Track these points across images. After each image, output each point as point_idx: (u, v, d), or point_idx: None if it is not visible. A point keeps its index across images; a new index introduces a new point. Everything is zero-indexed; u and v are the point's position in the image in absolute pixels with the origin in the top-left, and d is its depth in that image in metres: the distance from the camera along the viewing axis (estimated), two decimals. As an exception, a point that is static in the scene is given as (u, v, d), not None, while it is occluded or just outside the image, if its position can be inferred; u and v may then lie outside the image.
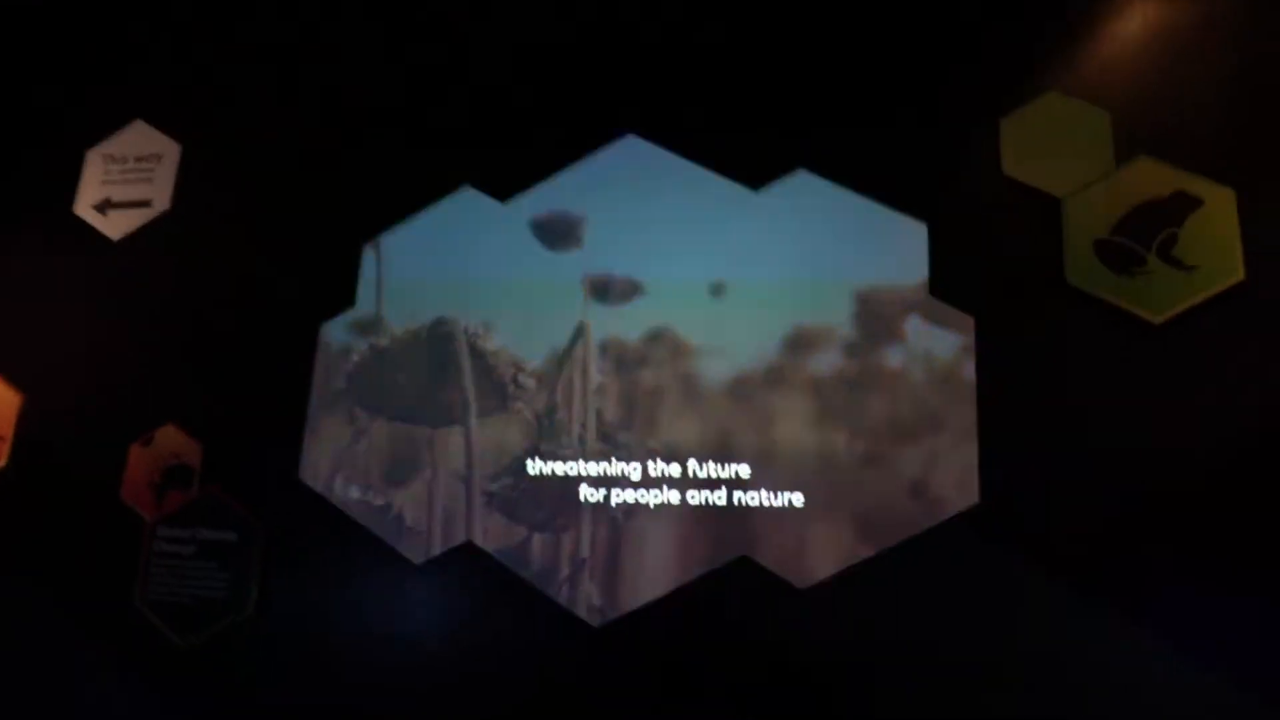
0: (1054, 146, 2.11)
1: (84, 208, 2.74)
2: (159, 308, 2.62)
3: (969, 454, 1.98)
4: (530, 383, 2.31)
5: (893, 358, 2.10)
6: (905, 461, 2.03)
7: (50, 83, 2.86)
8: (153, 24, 2.79)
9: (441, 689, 2.13)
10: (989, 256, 2.11)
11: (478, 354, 2.36)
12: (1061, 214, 2.07)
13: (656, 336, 2.27)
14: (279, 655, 2.27)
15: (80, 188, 2.78)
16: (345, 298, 2.47)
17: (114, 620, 2.37)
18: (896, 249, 2.13)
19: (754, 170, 2.29)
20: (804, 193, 2.23)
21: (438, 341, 2.40)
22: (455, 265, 2.44)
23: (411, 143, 2.56)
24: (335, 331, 2.46)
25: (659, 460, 2.14)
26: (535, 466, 2.21)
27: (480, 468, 2.28)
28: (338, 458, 2.39)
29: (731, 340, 2.20)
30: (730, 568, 2.07)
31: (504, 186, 2.47)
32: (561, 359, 2.30)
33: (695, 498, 2.13)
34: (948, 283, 2.12)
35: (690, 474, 2.11)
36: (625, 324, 2.28)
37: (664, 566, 2.12)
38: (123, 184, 2.76)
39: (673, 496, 2.15)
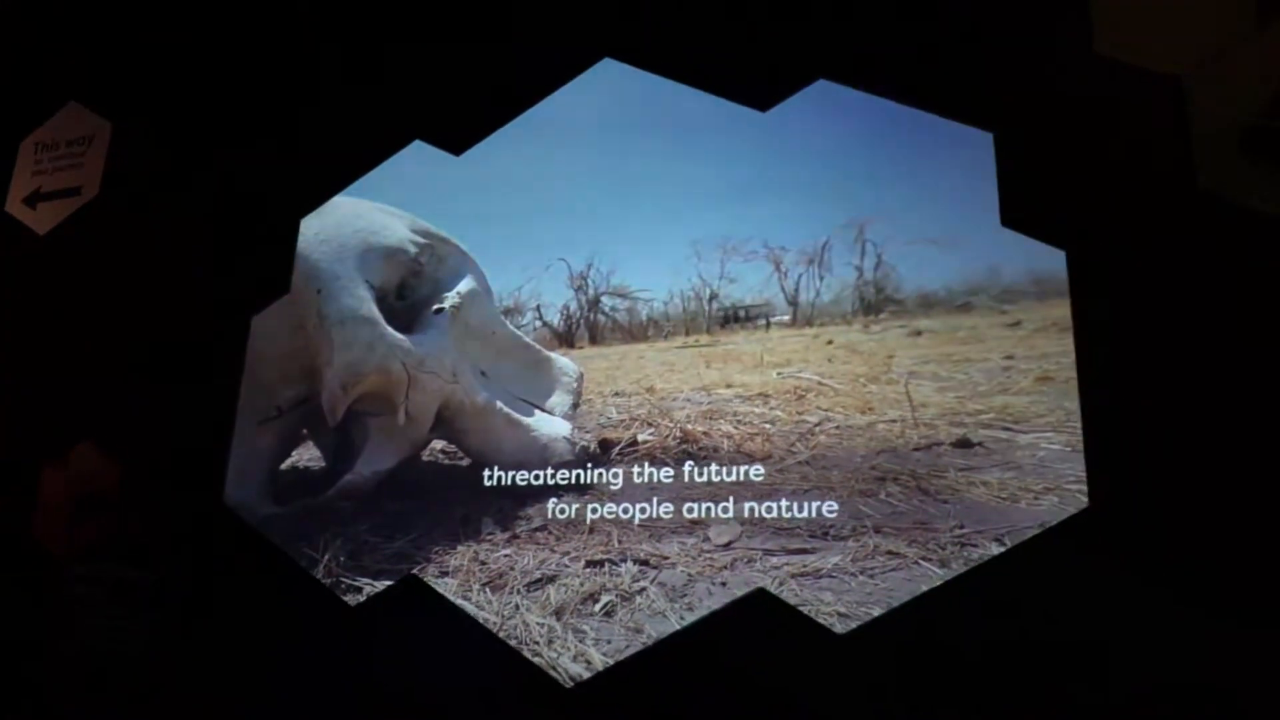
0: (1164, 8, 1.81)
1: (14, 204, 2.80)
2: (79, 308, 2.61)
3: (1067, 440, 1.74)
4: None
5: (956, 314, 1.80)
6: (980, 455, 1.82)
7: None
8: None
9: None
10: (1081, 168, 1.82)
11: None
12: (1186, 99, 1.77)
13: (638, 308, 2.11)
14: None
15: (12, 181, 2.84)
16: (280, 284, 2.40)
17: (15, 680, 2.31)
18: (953, 168, 1.86)
19: (759, 86, 2.09)
20: (825, 108, 2.00)
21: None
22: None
23: (354, 99, 2.50)
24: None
25: (681, 463, 1.92)
26: (491, 475, 2.05)
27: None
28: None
29: (734, 298, 1.99)
30: (740, 607, 1.86)
31: (457, 138, 2.37)
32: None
33: (692, 511, 1.87)
34: (1025, 208, 1.87)
35: (686, 478, 1.87)
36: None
37: (690, 609, 1.94)
38: (53, 172, 2.81)
39: (664, 510, 1.96)
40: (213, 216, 2.75)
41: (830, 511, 1.92)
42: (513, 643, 2.13)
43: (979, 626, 1.76)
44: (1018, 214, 1.90)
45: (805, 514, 1.95)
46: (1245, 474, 1.63)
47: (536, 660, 2.08)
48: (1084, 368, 1.79)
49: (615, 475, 2.14)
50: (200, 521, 2.47)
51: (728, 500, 2.03)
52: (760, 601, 1.92)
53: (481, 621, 2.17)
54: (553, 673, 2.04)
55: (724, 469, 2.04)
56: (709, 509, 2.04)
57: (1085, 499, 1.73)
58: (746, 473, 2.03)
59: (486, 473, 2.30)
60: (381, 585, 2.35)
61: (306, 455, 2.67)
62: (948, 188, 2.02)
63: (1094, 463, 1.74)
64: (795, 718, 1.84)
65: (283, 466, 2.65)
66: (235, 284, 2.65)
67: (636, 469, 2.14)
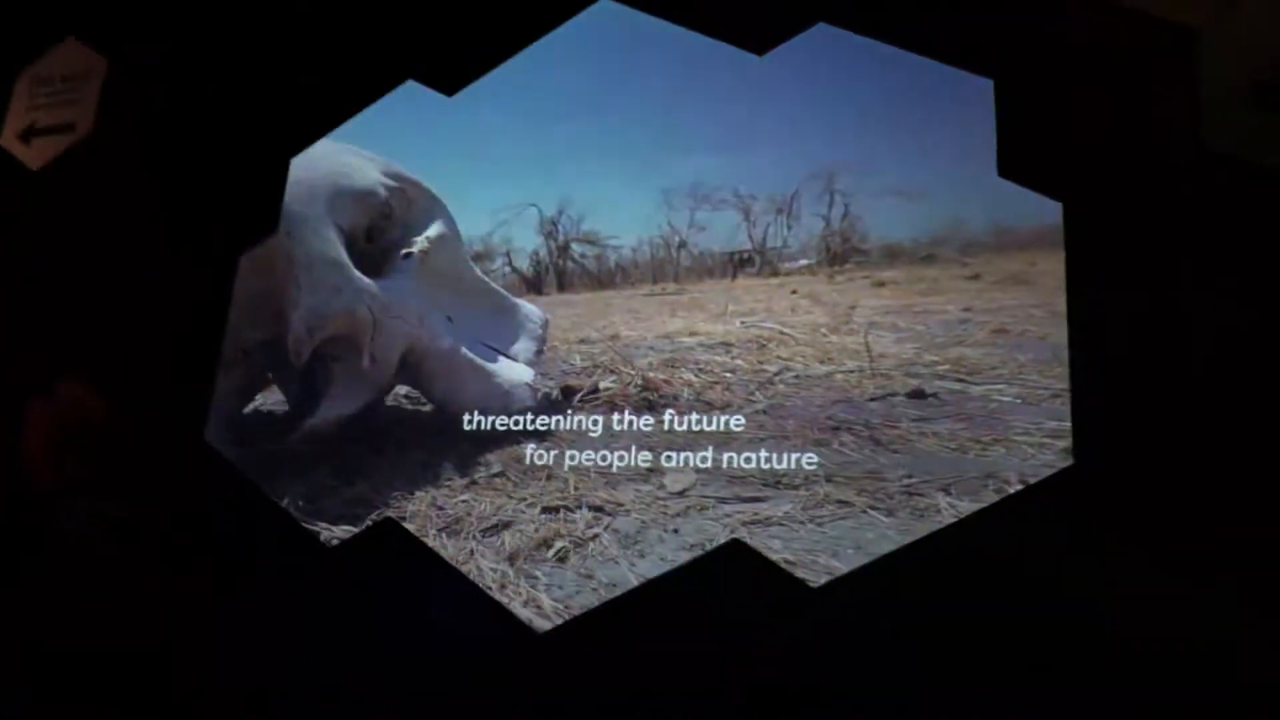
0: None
1: (8, 137, 3.00)
2: (70, 244, 2.80)
3: (1018, 392, 1.91)
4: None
5: (920, 265, 1.95)
6: (933, 406, 1.96)
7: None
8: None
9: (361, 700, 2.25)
10: (1083, 118, 1.95)
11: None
12: (1197, 49, 1.88)
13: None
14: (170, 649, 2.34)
15: (8, 115, 3.03)
16: (268, 223, 2.56)
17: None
18: (940, 119, 2.00)
19: (757, 30, 2.22)
20: (820, 54, 2.15)
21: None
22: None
23: (345, 37, 2.65)
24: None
25: (626, 411, 2.08)
26: (486, 420, 2.21)
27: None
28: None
29: (715, 249, 2.15)
30: (715, 558, 2.00)
31: (450, 78, 2.51)
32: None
33: (672, 459, 2.00)
34: (1024, 159, 1.98)
35: (685, 425, 2.03)
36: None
37: (641, 556, 2.09)
38: (48, 108, 3.00)
39: (659, 459, 2.08)
40: (202, 154, 2.93)
41: (782, 460, 2.08)
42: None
43: (956, 583, 1.89)
44: (1015, 163, 2.01)
45: (759, 463, 2.11)
46: (1244, 438, 1.76)
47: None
48: (1076, 321, 1.90)
49: (595, 423, 2.30)
50: (183, 458, 2.67)
51: (685, 448, 2.20)
52: (733, 553, 2.06)
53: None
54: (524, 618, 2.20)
55: (695, 417, 2.20)
56: (668, 456, 2.21)
57: (1032, 450, 1.89)
58: (724, 421, 2.18)
59: (466, 418, 2.46)
60: (339, 530, 2.53)
61: (271, 399, 2.86)
62: (926, 139, 2.17)
63: (1080, 419, 1.85)
64: (765, 670, 1.98)
65: (246, 410, 2.83)
66: (224, 223, 2.83)
67: (603, 417, 2.31)
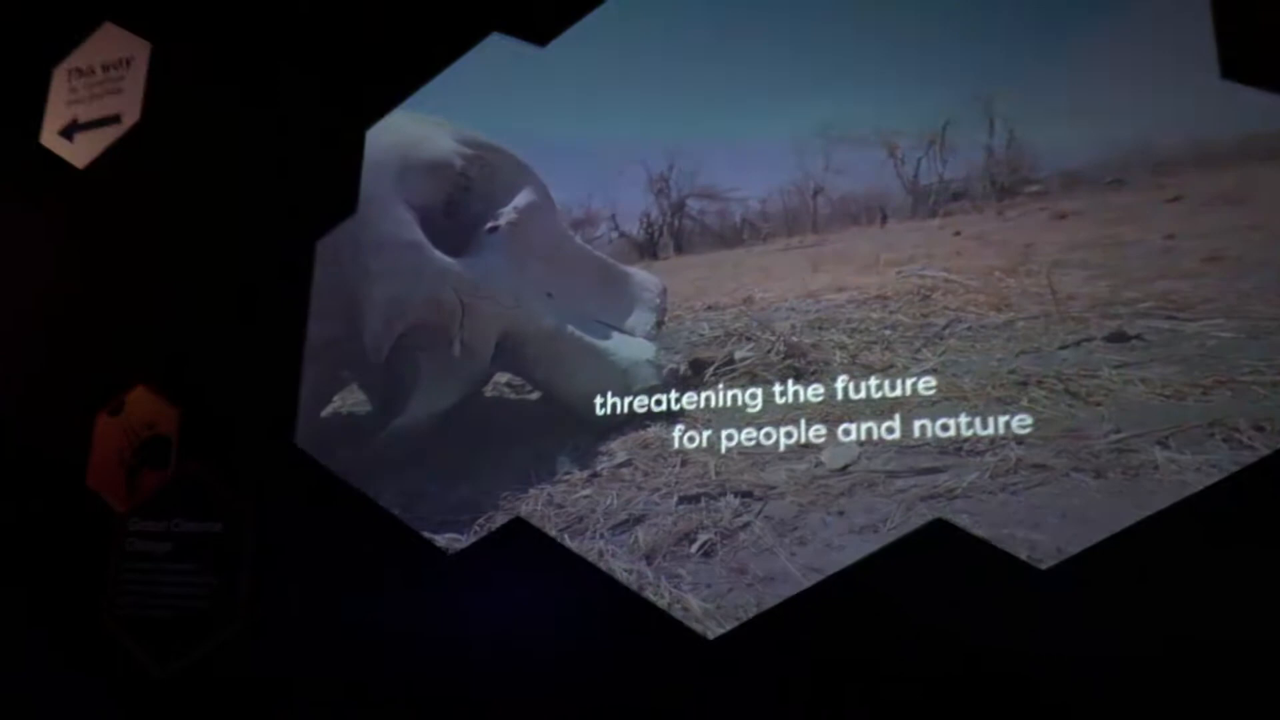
0: None
1: (50, 136, 2.91)
2: (126, 243, 2.71)
3: (1240, 326, 1.79)
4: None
5: (1106, 192, 1.82)
6: (1138, 349, 1.83)
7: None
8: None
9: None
10: None
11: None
12: None
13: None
14: (277, 678, 2.37)
15: (46, 113, 2.95)
16: (345, 204, 2.46)
17: (79, 643, 2.42)
18: (1133, 19, 1.89)
19: None
20: None
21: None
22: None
23: None
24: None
25: (787, 381, 1.96)
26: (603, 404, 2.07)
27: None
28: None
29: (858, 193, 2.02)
30: (916, 540, 1.86)
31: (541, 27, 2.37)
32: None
33: (850, 432, 1.97)
34: (1252, 55, 1.81)
35: (840, 393, 1.90)
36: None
37: (802, 544, 1.98)
38: (90, 100, 2.92)
39: (814, 433, 2.01)
40: (268, 134, 2.82)
41: (963, 424, 1.95)
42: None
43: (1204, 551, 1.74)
44: (1240, 61, 1.84)
45: (933, 430, 1.98)
46: None
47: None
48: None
49: (754, 397, 2.17)
50: (270, 467, 2.57)
51: (844, 420, 2.07)
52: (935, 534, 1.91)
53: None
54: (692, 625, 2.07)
55: (875, 381, 2.07)
56: (822, 430, 2.09)
57: (1263, 391, 1.75)
58: (910, 385, 2.04)
59: (599, 401, 2.33)
60: (443, 538, 2.42)
61: (350, 400, 2.75)
62: (1099, 48, 2.02)
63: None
64: (981, 668, 1.84)
65: (324, 414, 2.73)
66: (296, 207, 2.73)
67: (761, 390, 2.18)
